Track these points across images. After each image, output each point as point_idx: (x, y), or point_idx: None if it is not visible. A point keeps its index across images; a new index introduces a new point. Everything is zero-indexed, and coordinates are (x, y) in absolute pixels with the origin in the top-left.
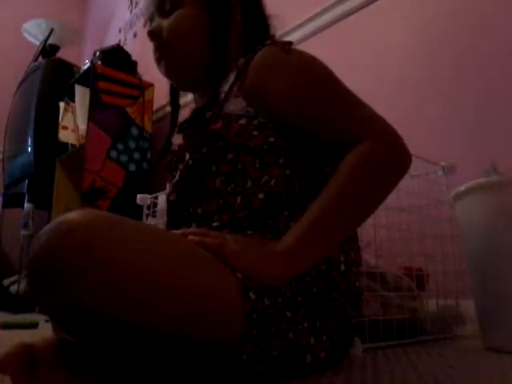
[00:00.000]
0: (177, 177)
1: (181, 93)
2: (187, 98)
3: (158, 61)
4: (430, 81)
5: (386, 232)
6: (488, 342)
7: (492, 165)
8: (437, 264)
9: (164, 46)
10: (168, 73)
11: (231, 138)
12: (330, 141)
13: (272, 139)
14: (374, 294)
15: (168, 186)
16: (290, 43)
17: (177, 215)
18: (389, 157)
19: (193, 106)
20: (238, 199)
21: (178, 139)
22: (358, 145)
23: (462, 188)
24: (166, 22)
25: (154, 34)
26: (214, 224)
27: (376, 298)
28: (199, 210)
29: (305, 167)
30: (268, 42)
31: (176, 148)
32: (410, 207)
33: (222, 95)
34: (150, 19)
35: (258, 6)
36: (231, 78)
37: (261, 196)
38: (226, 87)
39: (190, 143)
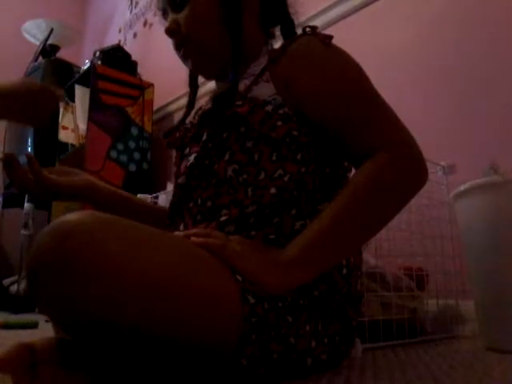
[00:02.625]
0: (191, 159)
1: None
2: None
3: (184, 58)
4: (430, 81)
5: (386, 232)
6: (488, 342)
7: (492, 165)
8: (437, 264)
9: (184, 42)
10: (196, 69)
11: (255, 125)
12: (349, 143)
13: (295, 133)
14: (374, 294)
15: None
16: (331, 37)
17: (181, 202)
18: (405, 174)
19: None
20: (249, 191)
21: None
22: (377, 154)
23: (462, 188)
24: (181, 16)
25: (172, 32)
26: (222, 218)
27: (376, 299)
28: (209, 203)
29: (321, 167)
30: (309, 30)
31: (189, 125)
32: (410, 207)
33: (251, 78)
34: (163, 14)
35: None
36: (262, 61)
37: (273, 191)
38: (256, 69)
39: (210, 123)
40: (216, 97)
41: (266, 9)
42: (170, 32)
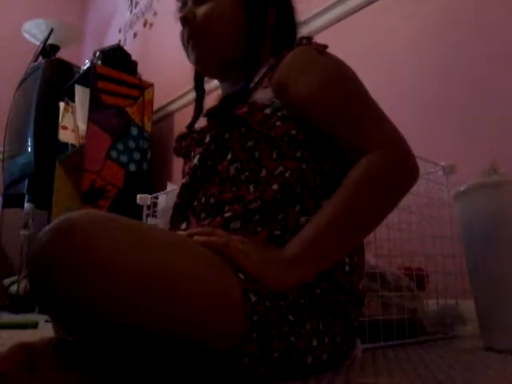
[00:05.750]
0: (195, 161)
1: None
2: (210, 85)
3: (189, 48)
4: (430, 81)
5: (386, 231)
6: (488, 342)
7: (492, 165)
8: (437, 264)
9: (196, 33)
10: (198, 60)
11: (254, 125)
12: (341, 143)
13: (294, 132)
14: (374, 294)
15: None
16: (326, 46)
17: (185, 202)
18: (397, 171)
19: (219, 92)
20: (251, 187)
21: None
22: (367, 154)
23: (462, 188)
24: (200, 10)
25: (186, 20)
26: (227, 215)
27: (376, 298)
28: (212, 200)
29: (321, 164)
30: (304, 41)
31: (195, 134)
32: (410, 207)
33: (252, 85)
34: (182, 6)
35: (290, 13)
36: (263, 70)
37: (275, 187)
38: (257, 78)
39: (213, 126)
40: (224, 97)
41: (278, 37)
42: (184, 20)
